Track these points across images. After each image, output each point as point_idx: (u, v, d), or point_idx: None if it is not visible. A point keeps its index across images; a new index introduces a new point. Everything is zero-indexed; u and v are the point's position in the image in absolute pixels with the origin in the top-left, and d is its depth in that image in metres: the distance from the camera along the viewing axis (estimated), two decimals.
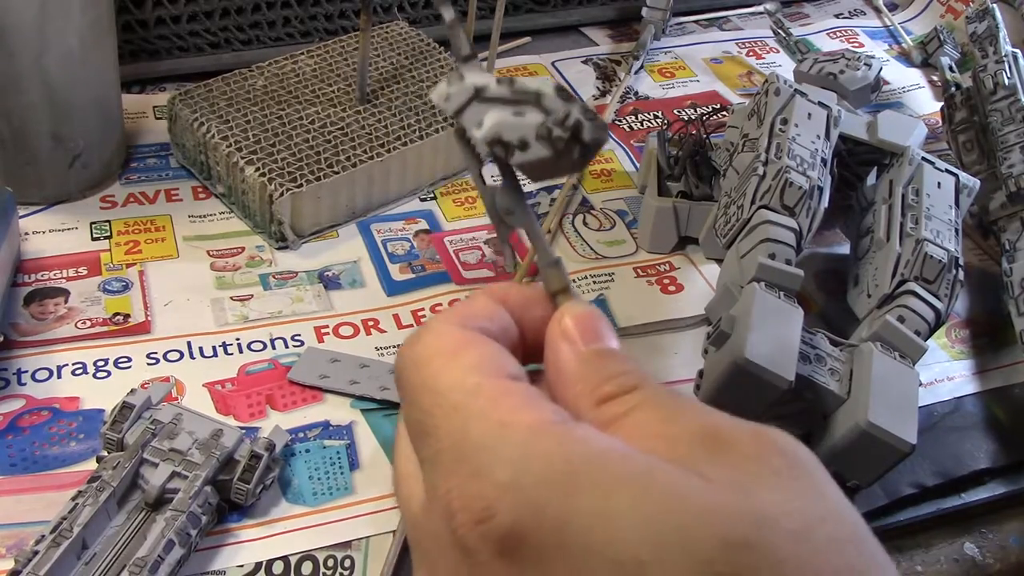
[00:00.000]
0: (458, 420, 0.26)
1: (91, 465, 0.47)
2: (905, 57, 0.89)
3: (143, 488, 0.44)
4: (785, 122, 0.57)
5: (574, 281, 0.61)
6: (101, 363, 0.53)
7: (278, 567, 0.44)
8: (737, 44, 0.89)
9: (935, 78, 0.85)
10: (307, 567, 0.45)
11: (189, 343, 0.55)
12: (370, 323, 0.57)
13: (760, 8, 0.94)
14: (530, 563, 0.23)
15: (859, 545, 0.23)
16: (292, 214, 0.60)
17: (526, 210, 0.32)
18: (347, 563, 0.45)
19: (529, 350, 0.30)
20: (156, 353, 0.54)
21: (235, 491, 0.45)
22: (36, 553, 0.40)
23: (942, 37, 0.86)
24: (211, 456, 0.45)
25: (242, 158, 0.61)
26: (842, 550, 0.23)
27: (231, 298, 0.58)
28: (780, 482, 0.24)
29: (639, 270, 0.63)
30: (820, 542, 0.23)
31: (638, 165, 0.71)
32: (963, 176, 0.58)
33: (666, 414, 0.26)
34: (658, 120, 0.77)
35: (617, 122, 0.76)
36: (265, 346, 0.55)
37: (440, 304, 0.59)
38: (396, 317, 0.58)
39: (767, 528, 0.22)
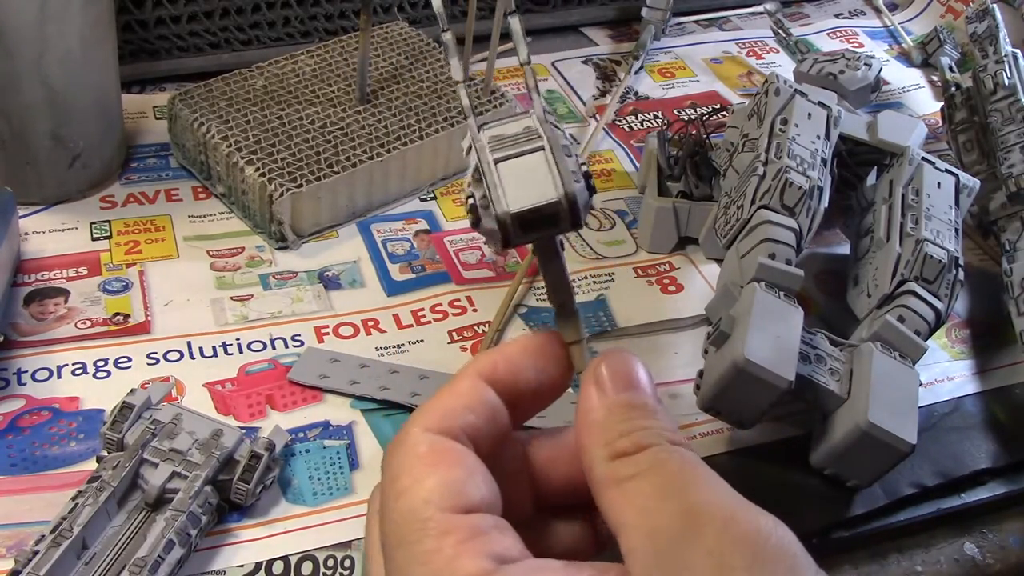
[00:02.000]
0: (404, 557, 0.27)
1: (91, 465, 0.47)
2: (905, 57, 0.89)
3: (143, 488, 0.44)
4: (785, 122, 0.57)
5: (574, 281, 0.61)
6: (101, 363, 0.53)
7: (278, 567, 0.44)
8: (737, 44, 0.89)
9: (935, 78, 0.85)
10: (307, 567, 0.45)
11: (189, 343, 0.55)
12: (370, 323, 0.57)
13: (760, 8, 0.94)
14: None
15: None
16: (292, 214, 0.60)
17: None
18: (347, 563, 0.45)
19: (540, 398, 0.31)
20: (156, 353, 0.54)
21: (235, 491, 0.45)
22: (36, 553, 0.40)
23: (942, 37, 0.86)
24: (211, 456, 0.45)
25: (242, 158, 0.61)
26: None
27: (231, 298, 0.58)
28: None
29: (639, 270, 0.63)
30: None
31: (638, 165, 0.71)
32: (963, 176, 0.58)
33: (662, 487, 0.26)
34: (658, 120, 0.77)
35: (617, 122, 0.76)
36: (265, 346, 0.55)
37: (440, 304, 0.59)
38: (396, 317, 0.58)
39: None
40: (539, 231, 0.29)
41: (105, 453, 0.46)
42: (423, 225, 0.65)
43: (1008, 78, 0.66)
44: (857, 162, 0.63)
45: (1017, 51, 0.69)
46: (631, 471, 0.27)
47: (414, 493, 0.27)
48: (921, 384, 0.50)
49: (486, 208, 0.29)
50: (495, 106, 0.68)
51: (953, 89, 0.71)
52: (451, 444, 0.28)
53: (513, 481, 0.31)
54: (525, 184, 0.29)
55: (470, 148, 0.30)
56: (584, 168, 0.29)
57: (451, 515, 0.27)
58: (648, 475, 0.27)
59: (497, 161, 0.29)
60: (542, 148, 0.29)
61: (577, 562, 0.26)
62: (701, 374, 0.50)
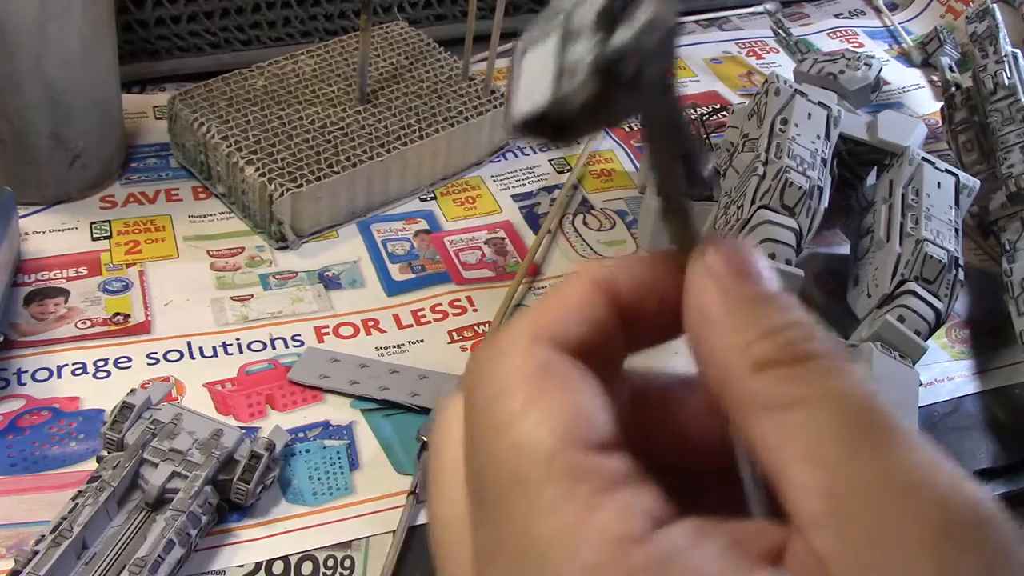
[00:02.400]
0: (515, 507, 0.19)
1: (91, 465, 0.47)
2: (905, 57, 0.89)
3: (143, 488, 0.44)
4: (785, 122, 0.57)
5: None
6: (101, 363, 0.53)
7: (278, 567, 0.44)
8: (737, 44, 0.89)
9: (935, 78, 0.85)
10: (307, 567, 0.45)
11: (189, 343, 0.55)
12: (370, 323, 0.57)
13: (760, 8, 0.94)
14: None
15: None
16: (292, 214, 0.60)
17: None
18: (347, 563, 0.45)
19: (662, 328, 0.23)
20: (156, 353, 0.54)
21: (235, 491, 0.45)
22: (36, 553, 0.40)
23: (942, 37, 0.86)
24: (211, 456, 0.45)
25: (242, 158, 0.61)
26: None
27: (231, 298, 0.58)
28: None
29: None
30: None
31: (638, 165, 0.71)
32: (963, 176, 0.58)
33: (845, 430, 0.19)
34: None
35: None
36: (265, 346, 0.55)
37: (440, 304, 0.59)
38: (396, 317, 0.58)
39: None
40: (570, 132, 0.22)
41: (105, 453, 0.46)
42: (423, 225, 0.65)
43: (1008, 78, 0.66)
44: (857, 162, 0.63)
45: (1017, 51, 0.69)
46: (793, 394, 0.19)
47: (528, 421, 0.20)
48: (921, 384, 0.50)
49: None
50: (495, 107, 0.68)
51: (953, 89, 0.71)
52: (569, 362, 0.21)
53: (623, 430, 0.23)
54: (533, 84, 0.23)
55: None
56: (598, 56, 0.20)
57: (580, 453, 0.19)
58: (821, 407, 0.19)
59: (523, 53, 0.23)
60: (553, 33, 0.22)
61: (747, 523, 0.20)
62: None
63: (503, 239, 0.64)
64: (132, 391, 0.47)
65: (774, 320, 0.20)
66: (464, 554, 0.21)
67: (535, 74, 0.22)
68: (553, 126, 0.22)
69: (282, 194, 0.59)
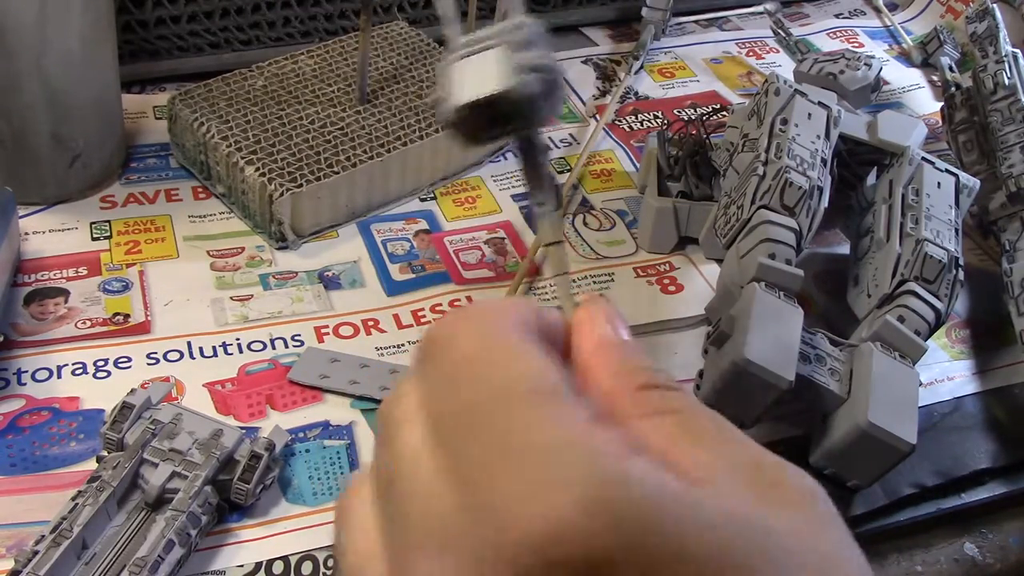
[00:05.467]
0: (525, 417, 0.22)
1: (91, 465, 0.47)
2: (905, 57, 0.89)
3: (143, 488, 0.44)
4: (785, 122, 0.57)
5: (574, 282, 0.61)
6: (101, 363, 0.53)
7: (278, 567, 0.44)
8: (737, 44, 0.89)
9: (935, 78, 0.85)
10: (307, 567, 0.45)
11: (189, 343, 0.55)
12: (370, 323, 0.57)
13: (760, 8, 0.94)
14: None
15: None
16: (292, 214, 0.60)
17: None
18: None
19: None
20: (156, 353, 0.54)
21: (235, 491, 0.45)
22: (36, 553, 0.40)
23: (942, 37, 0.86)
24: (211, 456, 0.45)
25: (242, 158, 0.61)
26: None
27: (231, 298, 0.58)
28: (831, 526, 0.24)
29: (639, 270, 0.63)
30: None
31: (638, 165, 0.71)
32: (963, 176, 0.58)
33: (716, 430, 0.25)
34: (658, 120, 0.77)
35: (617, 122, 0.76)
36: (265, 346, 0.55)
37: (440, 304, 0.59)
38: (396, 317, 0.58)
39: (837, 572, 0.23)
40: (499, 127, 0.29)
41: (105, 453, 0.46)
42: (423, 225, 0.65)
43: (1008, 78, 0.66)
44: (857, 162, 0.63)
45: (1017, 51, 0.69)
46: (670, 405, 0.25)
47: (521, 363, 0.24)
48: (921, 384, 0.50)
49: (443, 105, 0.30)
50: None
51: (953, 89, 0.71)
52: (532, 339, 0.25)
53: None
54: (476, 79, 0.29)
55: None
56: (540, 61, 0.28)
57: (573, 393, 0.23)
58: (694, 414, 0.25)
59: (460, 59, 0.30)
60: (497, 45, 0.30)
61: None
62: (701, 374, 0.50)
63: (503, 239, 0.64)
64: (132, 391, 0.47)
65: (648, 363, 0.26)
66: (439, 482, 0.23)
67: (480, 73, 0.29)
68: (493, 113, 0.29)
69: (282, 194, 0.59)
